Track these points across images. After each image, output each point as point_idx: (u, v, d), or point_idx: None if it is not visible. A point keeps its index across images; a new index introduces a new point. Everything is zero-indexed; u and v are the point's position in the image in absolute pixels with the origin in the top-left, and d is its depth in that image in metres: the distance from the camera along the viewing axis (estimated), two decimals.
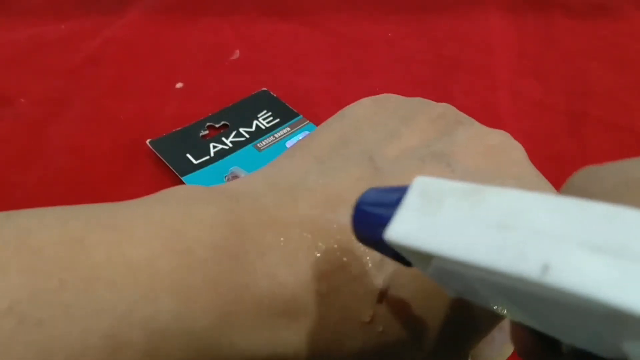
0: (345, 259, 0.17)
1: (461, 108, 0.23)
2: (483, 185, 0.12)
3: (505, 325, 0.23)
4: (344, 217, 0.17)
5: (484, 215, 0.11)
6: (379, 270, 0.17)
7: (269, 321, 0.16)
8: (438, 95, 0.45)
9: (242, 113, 0.42)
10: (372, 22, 0.54)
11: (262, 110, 0.42)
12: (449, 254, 0.11)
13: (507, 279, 0.11)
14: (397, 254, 0.14)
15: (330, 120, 0.22)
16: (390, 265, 0.17)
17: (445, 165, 0.19)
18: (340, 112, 0.23)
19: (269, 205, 0.17)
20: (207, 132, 0.41)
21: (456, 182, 0.13)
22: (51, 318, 0.13)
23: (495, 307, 0.13)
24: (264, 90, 0.44)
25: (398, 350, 0.17)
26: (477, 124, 0.22)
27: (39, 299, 0.13)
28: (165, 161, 0.38)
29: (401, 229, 0.13)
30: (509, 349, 0.25)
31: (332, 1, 0.56)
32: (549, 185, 0.20)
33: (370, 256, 0.17)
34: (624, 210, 0.10)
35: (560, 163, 0.39)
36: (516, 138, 0.21)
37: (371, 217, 0.14)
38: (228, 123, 0.41)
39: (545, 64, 0.49)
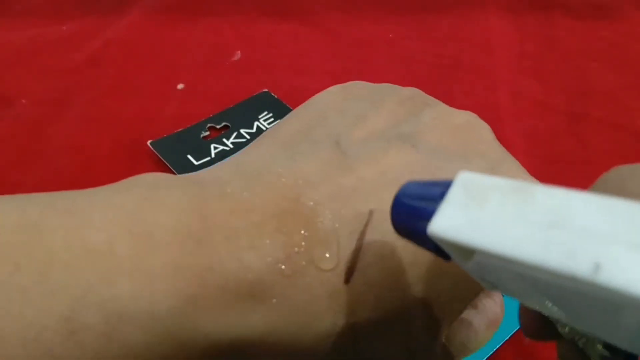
0: (310, 240, 0.17)
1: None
2: (530, 183, 0.12)
3: (485, 309, 0.23)
4: (309, 200, 0.17)
5: (531, 213, 0.11)
6: (345, 251, 0.17)
7: (235, 304, 0.16)
8: (438, 95, 0.45)
9: (243, 114, 0.42)
10: (372, 22, 0.54)
11: (263, 112, 0.42)
12: (496, 250, 0.12)
13: (555, 277, 0.11)
14: (438, 248, 0.14)
15: (298, 108, 0.22)
16: (355, 245, 0.17)
17: (410, 145, 0.19)
18: (308, 100, 0.23)
19: (235, 190, 0.17)
20: (208, 133, 0.41)
21: (501, 179, 0.13)
22: (5, 300, 0.13)
23: (526, 300, 0.13)
24: (265, 92, 0.44)
25: (369, 331, 0.17)
26: (443, 105, 0.22)
27: None
28: (166, 162, 0.38)
29: (445, 224, 0.13)
30: (488, 334, 0.25)
31: (332, 2, 0.56)
32: (516, 163, 0.21)
33: (336, 237, 0.17)
34: None
35: (560, 163, 0.39)
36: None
37: (413, 210, 0.14)
38: (229, 124, 0.42)
39: (546, 64, 0.49)
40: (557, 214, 0.11)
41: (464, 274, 0.16)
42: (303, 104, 0.23)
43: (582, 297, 0.11)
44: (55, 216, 0.15)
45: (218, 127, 0.42)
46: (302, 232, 0.17)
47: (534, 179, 0.21)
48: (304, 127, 0.21)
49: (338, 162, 0.19)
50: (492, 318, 0.23)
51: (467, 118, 0.21)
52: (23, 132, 0.42)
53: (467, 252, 0.13)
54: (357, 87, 0.23)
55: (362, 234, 0.17)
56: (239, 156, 0.20)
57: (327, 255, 0.17)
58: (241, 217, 0.17)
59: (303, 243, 0.17)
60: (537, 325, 0.17)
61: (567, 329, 0.17)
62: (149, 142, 0.40)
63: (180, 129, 0.41)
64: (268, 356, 0.17)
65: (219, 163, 0.20)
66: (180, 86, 0.46)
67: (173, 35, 0.52)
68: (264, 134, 0.22)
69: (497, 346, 0.29)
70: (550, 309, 0.13)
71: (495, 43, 0.51)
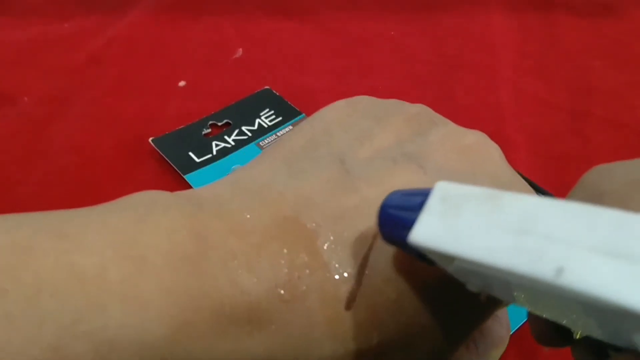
0: (311, 265, 0.16)
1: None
2: (500, 191, 0.13)
3: (490, 332, 0.23)
4: (311, 221, 0.17)
5: (502, 220, 0.12)
6: (347, 275, 0.16)
7: (231, 330, 0.15)
8: (440, 94, 0.45)
9: (245, 111, 0.42)
10: (375, 20, 0.54)
11: (264, 109, 0.42)
12: (470, 257, 0.12)
13: (525, 280, 0.11)
14: (422, 255, 0.14)
15: (302, 123, 0.22)
16: (357, 269, 0.17)
17: (417, 166, 0.19)
18: (313, 115, 0.22)
19: (234, 210, 0.17)
20: (209, 130, 0.41)
21: (475, 187, 0.14)
22: None
23: (514, 301, 0.14)
24: (267, 89, 0.44)
25: (370, 357, 0.17)
26: (452, 124, 0.21)
27: None
28: (167, 159, 0.38)
29: (424, 232, 0.14)
30: (494, 355, 0.25)
31: (335, 0, 0.56)
32: (525, 184, 0.20)
33: (337, 261, 0.17)
34: (633, 216, 0.11)
35: (563, 162, 0.39)
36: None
37: (396, 220, 0.15)
38: (230, 121, 0.42)
39: (548, 63, 0.48)
40: (526, 220, 0.12)
41: (470, 299, 0.16)
42: (307, 119, 0.22)
43: (555, 297, 0.11)
44: (47, 239, 0.15)
45: (219, 124, 0.41)
46: (303, 255, 0.16)
47: None
48: (307, 143, 0.20)
49: (341, 181, 0.18)
50: (497, 341, 0.23)
51: (475, 138, 0.20)
52: (25, 130, 0.42)
53: (447, 258, 0.13)
54: (363, 103, 0.22)
55: (365, 258, 0.17)
56: (240, 171, 0.20)
57: (328, 279, 0.16)
58: (239, 239, 0.16)
59: (303, 267, 0.16)
60: (549, 332, 0.17)
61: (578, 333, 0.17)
62: (150, 139, 0.40)
63: (181, 126, 0.41)
64: None
65: (218, 180, 0.20)
66: (181, 84, 0.46)
67: (174, 33, 0.52)
68: (266, 149, 0.21)
69: None
70: (533, 307, 0.14)
71: (497, 41, 0.51)
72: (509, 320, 0.22)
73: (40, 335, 0.13)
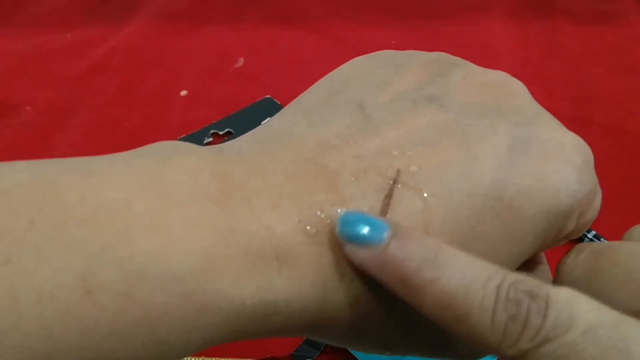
0: (333, 200, 0.16)
1: None
2: None
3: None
4: (332, 161, 0.17)
5: None
6: (370, 210, 0.16)
7: (258, 265, 0.15)
8: None
9: (246, 120, 0.42)
10: (376, 29, 0.54)
11: (266, 118, 0.42)
12: None
13: None
14: None
15: (322, 79, 0.22)
16: (382, 204, 0.16)
17: (438, 105, 0.18)
18: (332, 71, 0.22)
19: (255, 155, 0.17)
20: (211, 139, 0.41)
21: None
22: (19, 257, 0.13)
23: None
24: (268, 98, 0.45)
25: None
26: (472, 65, 0.21)
27: (6, 239, 0.13)
28: None
29: None
30: None
31: (336, 8, 0.56)
32: (553, 118, 0.20)
33: (360, 196, 0.16)
34: None
35: None
36: None
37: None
38: (232, 130, 0.42)
39: (549, 70, 0.49)
40: None
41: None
42: (327, 75, 0.22)
43: None
44: (71, 175, 0.15)
45: (221, 133, 0.42)
46: (325, 191, 0.16)
47: (574, 135, 0.19)
48: (326, 94, 0.20)
49: (362, 124, 0.18)
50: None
51: (498, 75, 0.20)
52: (28, 139, 0.42)
53: None
54: (382, 55, 0.22)
55: (390, 191, 0.16)
56: (260, 127, 0.20)
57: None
58: (261, 179, 0.16)
59: (326, 202, 0.16)
60: None
61: None
62: None
63: (183, 135, 0.41)
64: (293, 327, 0.16)
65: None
66: (183, 93, 0.46)
67: (176, 42, 0.52)
68: (287, 105, 0.21)
69: None
70: None
71: (498, 49, 0.51)
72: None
73: (69, 264, 0.13)
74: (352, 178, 0.16)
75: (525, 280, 0.14)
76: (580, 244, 0.18)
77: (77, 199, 0.14)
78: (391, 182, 0.17)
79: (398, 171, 0.17)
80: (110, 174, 0.15)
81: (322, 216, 0.16)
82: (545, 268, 0.21)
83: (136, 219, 0.14)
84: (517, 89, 0.20)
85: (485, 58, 0.50)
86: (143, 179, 0.15)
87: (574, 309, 0.13)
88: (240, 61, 0.50)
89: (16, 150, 0.41)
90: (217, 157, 0.16)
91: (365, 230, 0.15)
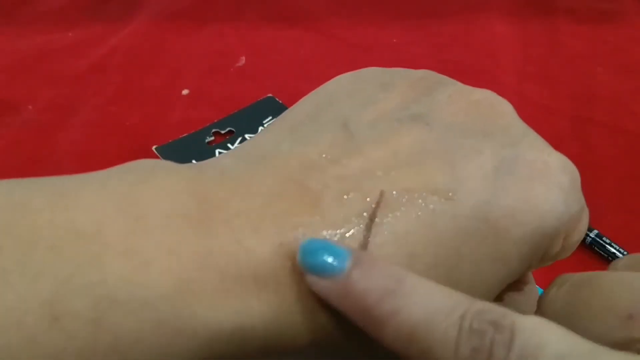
0: (316, 223, 0.16)
1: None
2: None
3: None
4: (315, 182, 0.16)
5: None
6: (354, 233, 0.16)
7: (236, 289, 0.15)
8: None
9: (248, 119, 0.42)
10: (377, 27, 0.54)
11: (267, 117, 0.42)
12: None
13: None
14: None
15: (307, 95, 0.21)
16: (364, 227, 0.16)
17: (423, 124, 0.18)
18: (318, 87, 0.22)
19: (237, 175, 0.16)
20: (212, 138, 0.41)
21: None
22: None
23: None
24: (270, 97, 0.45)
25: None
26: (459, 83, 0.21)
27: None
28: None
29: None
30: None
31: (336, 7, 0.56)
32: (539, 138, 0.19)
33: (343, 219, 0.16)
34: None
35: None
36: None
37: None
38: (234, 129, 0.42)
39: (550, 69, 0.49)
40: None
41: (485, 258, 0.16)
42: (313, 91, 0.22)
43: None
44: (42, 197, 0.14)
45: (223, 132, 0.42)
46: (308, 214, 0.16)
47: (560, 155, 0.19)
48: (311, 111, 0.20)
49: (346, 143, 0.18)
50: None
51: (485, 95, 0.20)
52: (29, 138, 0.42)
53: None
54: (368, 72, 0.22)
55: (372, 215, 0.16)
56: (244, 143, 0.20)
57: (335, 237, 0.16)
58: (243, 200, 0.16)
59: (309, 225, 0.16)
60: None
61: None
62: (154, 147, 0.40)
63: (185, 134, 0.41)
64: (272, 351, 0.16)
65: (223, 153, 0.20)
66: (185, 92, 0.46)
67: (178, 41, 0.52)
68: (272, 121, 0.21)
69: None
70: None
71: (499, 48, 0.51)
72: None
73: (36, 290, 0.13)
74: (335, 200, 0.16)
75: (491, 310, 0.14)
76: (563, 275, 0.18)
77: (46, 223, 0.14)
78: (374, 206, 0.16)
79: (382, 193, 0.17)
80: (84, 195, 0.15)
81: (304, 240, 0.15)
82: (532, 288, 0.20)
83: (108, 242, 0.14)
84: (504, 108, 0.20)
85: (486, 57, 0.50)
86: (119, 200, 0.15)
87: (541, 338, 0.13)
88: (242, 60, 0.50)
89: (17, 148, 0.41)
90: (198, 176, 0.16)
91: (326, 259, 0.15)
